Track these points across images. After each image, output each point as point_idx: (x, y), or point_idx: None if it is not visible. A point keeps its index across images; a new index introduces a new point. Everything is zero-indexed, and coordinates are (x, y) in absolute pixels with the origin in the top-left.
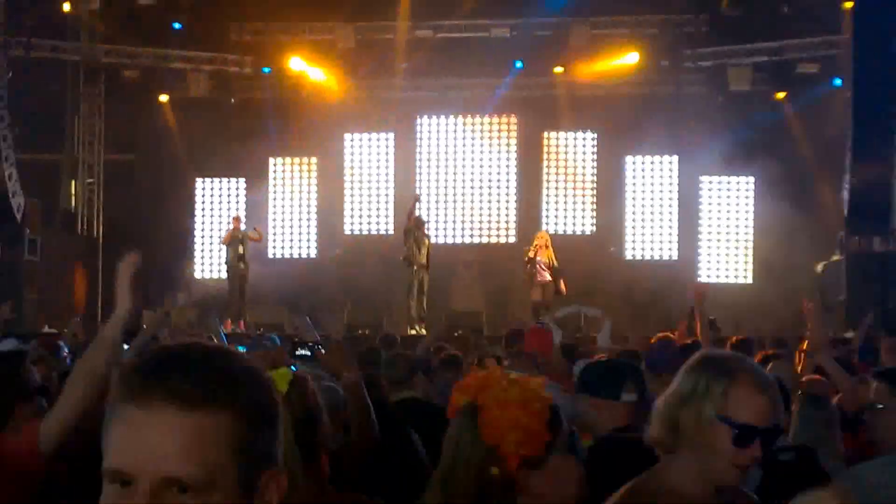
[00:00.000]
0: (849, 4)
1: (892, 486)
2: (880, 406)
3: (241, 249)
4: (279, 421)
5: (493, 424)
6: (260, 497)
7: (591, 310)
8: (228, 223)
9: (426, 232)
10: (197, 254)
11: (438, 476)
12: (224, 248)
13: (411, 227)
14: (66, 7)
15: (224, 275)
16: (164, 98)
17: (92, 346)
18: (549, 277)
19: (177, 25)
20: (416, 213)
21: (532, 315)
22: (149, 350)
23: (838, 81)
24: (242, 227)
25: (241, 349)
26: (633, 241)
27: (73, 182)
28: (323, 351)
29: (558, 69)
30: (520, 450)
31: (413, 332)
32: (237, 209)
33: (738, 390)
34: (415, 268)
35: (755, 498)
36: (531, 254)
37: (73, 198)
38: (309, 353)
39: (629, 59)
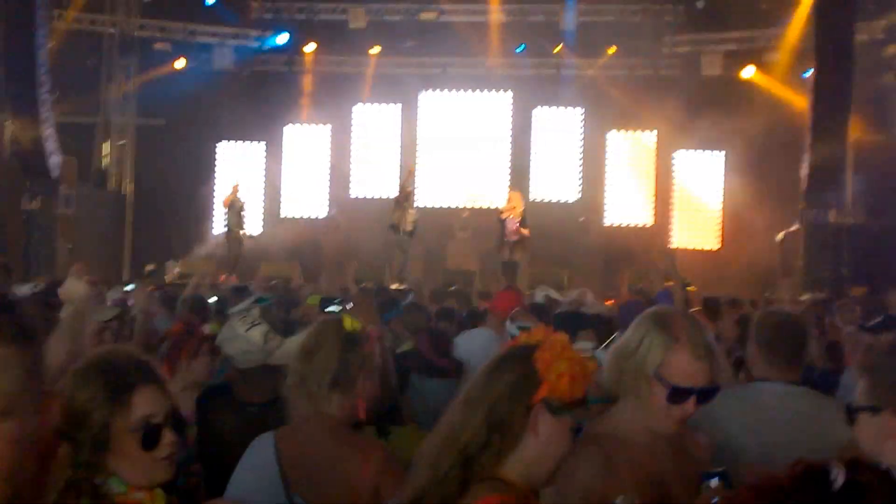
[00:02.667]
0: None
1: (731, 418)
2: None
3: (240, 214)
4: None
5: (550, 364)
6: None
7: (553, 293)
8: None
9: (413, 202)
10: (217, 212)
11: (476, 405)
12: (225, 210)
13: (400, 199)
14: None
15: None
16: (191, 67)
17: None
18: (514, 238)
19: (206, 2)
20: (409, 186)
21: (502, 273)
22: None
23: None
24: (240, 194)
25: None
26: (613, 209)
27: (106, 144)
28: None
29: (555, 50)
30: (564, 392)
31: (395, 286)
32: (255, 171)
33: (678, 353)
34: (400, 233)
35: (705, 438)
36: (502, 216)
37: (106, 157)
38: (337, 307)
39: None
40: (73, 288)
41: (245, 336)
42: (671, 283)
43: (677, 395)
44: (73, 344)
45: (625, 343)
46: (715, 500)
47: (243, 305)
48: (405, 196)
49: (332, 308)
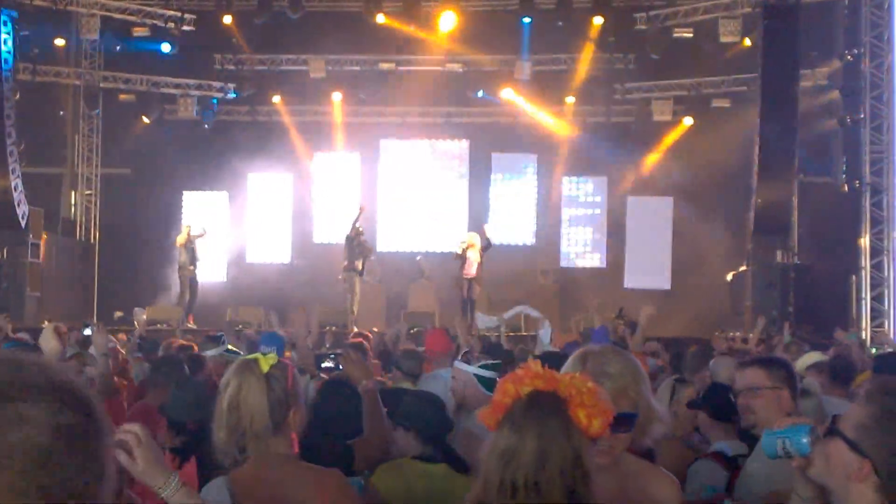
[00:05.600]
0: (750, 42)
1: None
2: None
3: (193, 252)
4: None
5: (581, 409)
6: None
7: (534, 312)
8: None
9: (363, 241)
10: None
11: (514, 477)
12: (178, 250)
13: (351, 236)
14: (66, 38)
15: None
16: (154, 119)
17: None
18: (473, 273)
19: (167, 53)
20: (358, 223)
21: (461, 311)
22: None
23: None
24: (194, 231)
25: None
26: (568, 252)
27: (73, 193)
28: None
29: (505, 96)
30: (602, 429)
31: (354, 329)
32: (220, 219)
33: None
34: (349, 272)
35: (668, 475)
36: (459, 251)
37: (73, 207)
38: (333, 364)
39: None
40: (48, 342)
41: None
42: (618, 322)
43: None
44: None
45: None
46: None
47: (213, 352)
48: (355, 233)
49: (327, 364)
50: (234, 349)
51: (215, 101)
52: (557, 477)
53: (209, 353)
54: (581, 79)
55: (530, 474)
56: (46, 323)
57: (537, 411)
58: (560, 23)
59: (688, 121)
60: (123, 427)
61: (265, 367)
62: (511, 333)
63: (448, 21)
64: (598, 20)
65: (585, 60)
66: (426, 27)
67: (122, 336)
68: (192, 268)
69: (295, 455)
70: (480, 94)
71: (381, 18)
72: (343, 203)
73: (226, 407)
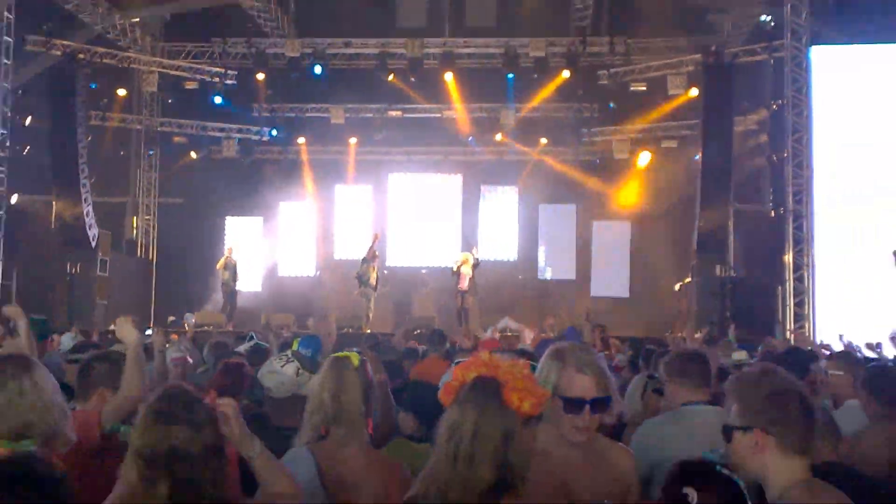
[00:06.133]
0: (693, 94)
1: (672, 439)
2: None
3: (234, 270)
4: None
5: (514, 393)
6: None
7: (513, 323)
8: (225, 252)
9: (377, 262)
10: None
11: (457, 449)
12: (219, 270)
13: (367, 258)
14: (131, 91)
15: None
16: (202, 157)
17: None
18: (466, 286)
19: (215, 103)
20: (374, 247)
21: (455, 319)
22: None
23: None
24: (233, 255)
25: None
26: (545, 266)
27: (134, 218)
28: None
29: (496, 139)
30: (531, 410)
31: (367, 331)
32: (256, 240)
33: (566, 372)
34: (366, 286)
35: (627, 448)
36: (454, 268)
37: (135, 230)
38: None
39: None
40: (129, 332)
41: (280, 371)
42: (586, 324)
43: (570, 405)
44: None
45: (538, 374)
46: None
47: (243, 347)
48: (372, 255)
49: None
50: (263, 343)
51: (253, 142)
52: (490, 450)
53: (240, 347)
54: (554, 124)
55: (468, 446)
56: (122, 317)
57: (477, 393)
58: (535, 75)
59: (642, 159)
60: (221, 400)
61: (356, 362)
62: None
63: (446, 77)
64: (566, 74)
65: (558, 109)
66: (427, 82)
67: (175, 336)
68: (232, 284)
69: (370, 438)
70: (470, 139)
71: (390, 76)
72: (358, 226)
73: (328, 396)
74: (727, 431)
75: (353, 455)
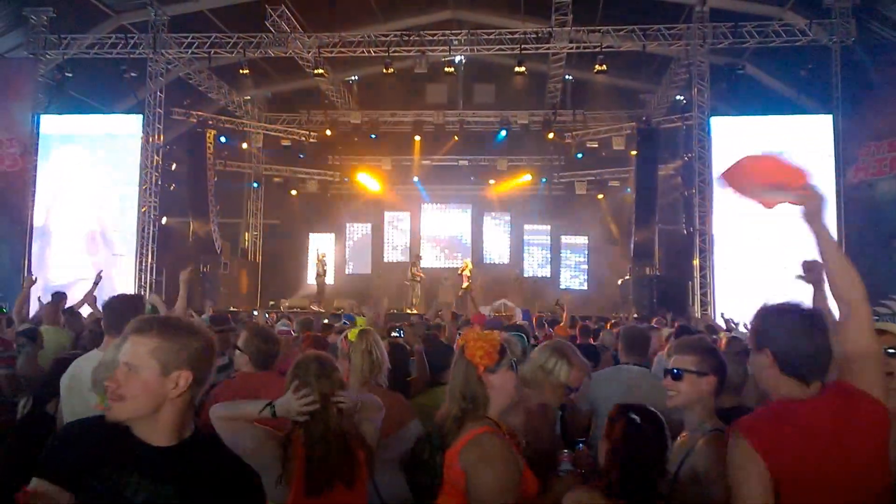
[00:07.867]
0: (634, 153)
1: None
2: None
3: (324, 268)
4: (186, 344)
5: (471, 350)
6: (171, 381)
7: (509, 304)
8: (318, 257)
9: (419, 271)
10: (309, 272)
11: (451, 390)
12: (314, 267)
13: (413, 261)
14: (244, 146)
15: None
16: (294, 192)
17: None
18: (466, 284)
19: (301, 155)
20: (417, 261)
21: (460, 301)
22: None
23: (629, 190)
24: (325, 259)
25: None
26: (528, 267)
27: (246, 234)
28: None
29: (491, 182)
30: (483, 361)
31: (411, 311)
32: (330, 249)
33: (573, 371)
34: (411, 282)
35: (586, 408)
36: (459, 271)
37: (247, 242)
38: (398, 333)
39: (525, 178)
40: (157, 304)
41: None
42: (556, 307)
43: (570, 391)
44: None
45: (538, 360)
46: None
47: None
48: (415, 262)
49: (395, 334)
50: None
51: (328, 181)
52: (458, 390)
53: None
54: (535, 170)
55: (451, 384)
56: (154, 296)
57: (458, 354)
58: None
59: (595, 195)
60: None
61: (352, 337)
62: (496, 314)
63: (459, 138)
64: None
65: (537, 160)
66: (446, 141)
67: (272, 315)
68: (322, 277)
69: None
70: (472, 178)
71: (418, 137)
72: (400, 240)
73: (362, 356)
74: (677, 376)
75: (384, 395)
